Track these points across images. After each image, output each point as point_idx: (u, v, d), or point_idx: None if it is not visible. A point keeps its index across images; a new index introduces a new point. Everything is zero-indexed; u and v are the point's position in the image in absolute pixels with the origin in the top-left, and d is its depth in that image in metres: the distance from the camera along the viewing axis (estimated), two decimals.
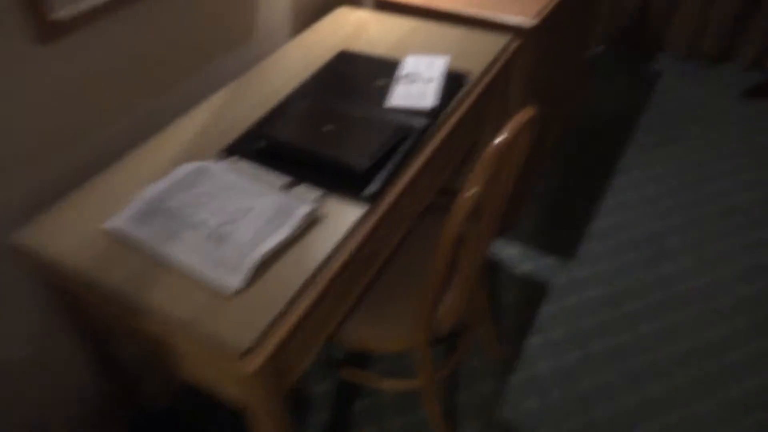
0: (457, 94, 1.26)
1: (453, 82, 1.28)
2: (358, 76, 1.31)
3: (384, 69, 1.33)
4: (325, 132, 1.11)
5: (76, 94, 1.08)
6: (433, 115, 1.19)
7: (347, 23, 1.55)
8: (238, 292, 0.88)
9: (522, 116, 0.95)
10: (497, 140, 0.90)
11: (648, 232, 2.00)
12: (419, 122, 1.17)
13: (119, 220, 1.00)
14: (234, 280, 0.89)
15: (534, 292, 1.82)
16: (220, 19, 1.33)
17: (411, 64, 1.34)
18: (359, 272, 1.04)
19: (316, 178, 1.05)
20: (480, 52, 1.40)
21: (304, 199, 1.01)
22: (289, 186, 1.02)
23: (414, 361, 1.63)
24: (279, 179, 1.04)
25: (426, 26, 1.51)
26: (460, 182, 1.88)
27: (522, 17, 1.51)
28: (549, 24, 1.59)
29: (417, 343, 1.21)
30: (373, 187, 1.03)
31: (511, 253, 1.95)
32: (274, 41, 1.52)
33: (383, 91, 1.25)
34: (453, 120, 1.22)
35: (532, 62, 1.58)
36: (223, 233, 0.96)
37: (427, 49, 1.42)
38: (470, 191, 0.89)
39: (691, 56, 2.87)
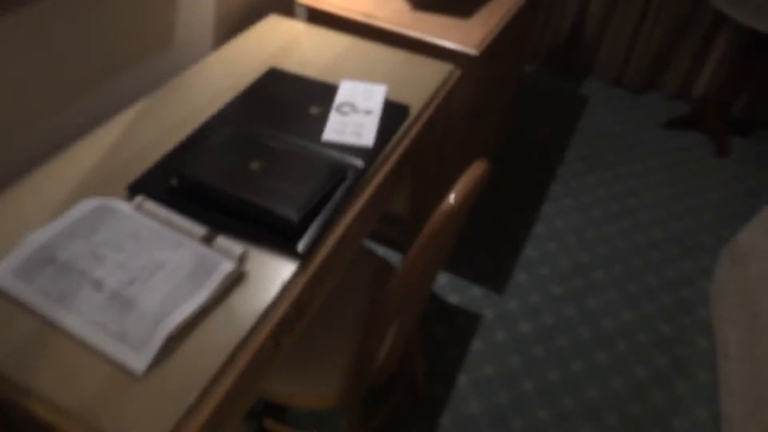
0: (396, 130, 1.16)
1: (392, 115, 1.18)
2: (290, 100, 1.18)
3: (318, 94, 1.21)
4: (251, 170, 0.98)
5: None
6: (372, 154, 1.08)
7: (277, 35, 1.41)
8: (144, 375, 0.74)
9: (473, 175, 0.86)
10: (446, 206, 0.80)
11: (575, 264, 1.99)
12: (356, 162, 1.05)
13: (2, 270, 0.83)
14: (139, 361, 0.75)
15: (463, 325, 1.75)
16: (130, 23, 1.17)
17: (347, 91, 1.22)
18: (286, 332, 0.92)
19: (238, 227, 0.92)
20: (421, 81, 1.30)
21: (226, 253, 0.87)
22: (207, 238, 0.89)
23: (341, 414, 1.52)
24: (195, 227, 0.90)
25: (363, 46, 1.40)
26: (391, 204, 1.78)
27: (465, 45, 1.42)
28: (491, 51, 1.52)
29: (348, 400, 1.10)
30: (305, 241, 0.91)
31: (439, 282, 1.88)
32: (194, 51, 1.36)
33: (317, 122, 1.13)
34: (393, 159, 1.12)
35: (472, 90, 1.50)
36: (127, 297, 0.81)
37: (365, 73, 1.30)
38: (413, 265, 0.79)
39: (619, 83, 2.92)
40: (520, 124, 2.58)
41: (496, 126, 2.12)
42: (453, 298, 1.83)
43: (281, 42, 1.39)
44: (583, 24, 2.82)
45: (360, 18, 1.49)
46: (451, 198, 0.81)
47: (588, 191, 2.28)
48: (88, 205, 0.93)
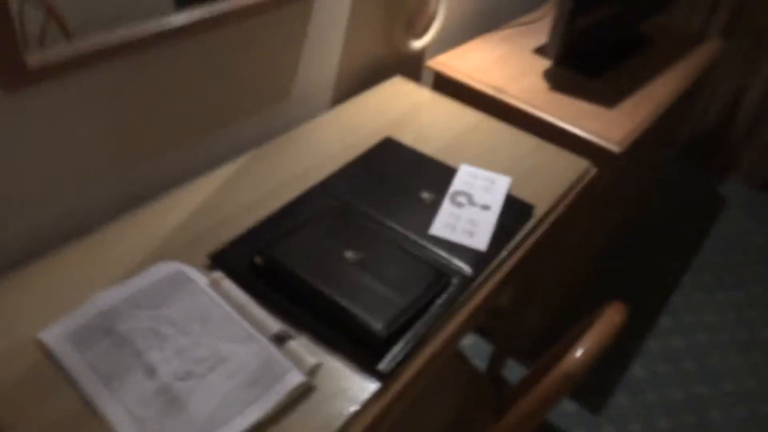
0: (515, 233, 1.00)
1: (513, 215, 1.03)
2: (401, 179, 1.06)
3: (432, 176, 1.08)
4: (344, 260, 0.86)
5: (46, 147, 0.84)
6: (484, 260, 0.94)
7: (399, 100, 1.30)
8: None
9: (607, 325, 0.69)
10: (568, 367, 0.64)
11: (690, 396, 1.73)
12: (464, 268, 0.91)
13: (55, 333, 0.75)
14: None
15: None
16: (253, 72, 1.10)
17: (466, 177, 1.09)
18: None
19: (317, 326, 0.80)
20: (550, 176, 1.14)
21: (297, 360, 0.75)
22: (280, 338, 0.77)
23: None
24: (269, 320, 0.78)
25: (490, 125, 1.26)
26: None
27: (605, 139, 1.26)
28: (634, 148, 1.34)
29: None
30: (390, 359, 0.77)
31: None
32: (310, 107, 1.28)
33: (426, 210, 1.00)
34: (505, 268, 0.97)
35: (605, 188, 1.32)
36: (178, 394, 0.70)
37: (488, 157, 1.17)
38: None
39: (766, 188, 2.61)
40: (643, 218, 2.34)
41: (620, 221, 1.91)
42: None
43: (402, 108, 1.28)
44: (734, 115, 2.55)
45: (490, 92, 1.36)
46: (578, 356, 0.65)
47: (715, 310, 2.00)
48: (165, 269, 0.85)
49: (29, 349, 0.75)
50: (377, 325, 0.77)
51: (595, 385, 1.72)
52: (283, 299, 0.83)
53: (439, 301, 0.86)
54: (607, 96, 1.41)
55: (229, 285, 0.82)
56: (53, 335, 0.75)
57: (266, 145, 1.12)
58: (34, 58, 0.75)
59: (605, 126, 1.31)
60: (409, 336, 0.81)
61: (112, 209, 0.98)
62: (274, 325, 0.78)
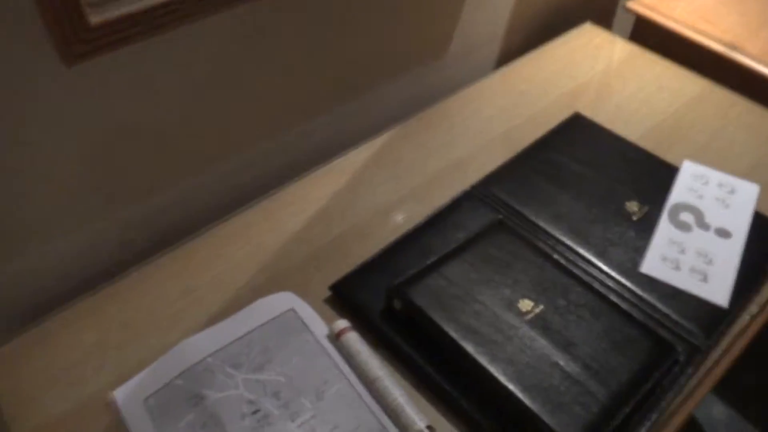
0: (767, 275, 0.68)
1: (764, 244, 0.70)
2: (598, 179, 0.76)
3: (643, 176, 0.77)
4: (519, 316, 0.59)
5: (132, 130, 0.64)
6: (722, 318, 0.63)
7: (588, 57, 0.97)
8: None
9: None
10: None
11: None
12: (693, 332, 0.61)
13: (128, 395, 0.57)
14: None
15: None
16: (387, 21, 0.82)
17: (691, 182, 0.76)
18: None
19: (475, 421, 0.55)
20: None
21: None
22: None
23: None
24: (413, 412, 0.54)
25: (719, 98, 0.91)
26: None
27: None
28: None
29: None
30: None
31: (710, 412, 1.35)
32: (471, 66, 0.98)
33: (634, 230, 0.70)
34: (750, 334, 0.65)
35: None
36: None
37: (719, 149, 0.82)
38: None
39: None
40: None
41: None
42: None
43: (593, 69, 0.95)
44: None
45: (719, 48, 0.98)
46: None
47: None
48: (271, 306, 0.63)
49: (98, 412, 0.56)
50: None
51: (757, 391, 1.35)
52: (430, 372, 0.58)
53: (659, 389, 0.57)
54: None
55: (357, 342, 0.59)
56: (127, 397, 0.56)
57: (411, 119, 0.85)
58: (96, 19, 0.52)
59: None
60: None
61: (206, 209, 0.77)
62: (419, 420, 0.53)
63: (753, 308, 0.65)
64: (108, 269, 0.69)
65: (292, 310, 0.63)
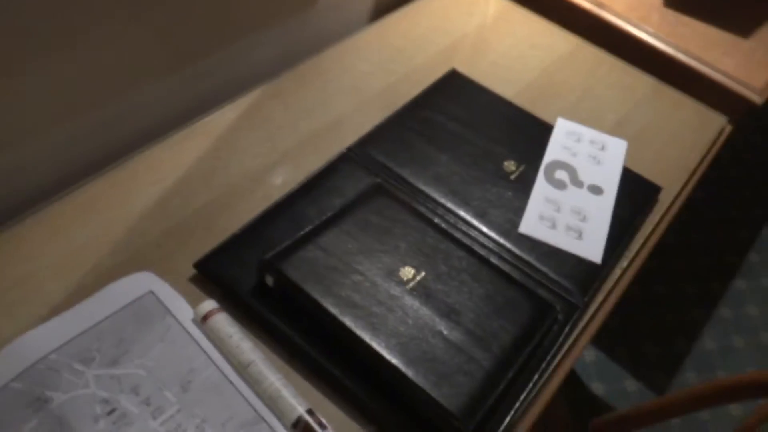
0: (636, 231, 0.70)
1: (632, 203, 0.72)
2: (476, 138, 0.74)
3: (519, 135, 0.76)
4: (400, 284, 0.56)
5: None
6: (596, 277, 0.64)
7: (464, 12, 0.95)
8: None
9: None
10: None
11: None
12: (570, 290, 0.62)
13: None
14: None
15: None
16: None
17: (565, 140, 0.76)
18: None
19: (358, 399, 0.52)
20: (676, 137, 0.82)
21: None
22: (308, 430, 0.49)
23: None
24: (291, 396, 0.50)
25: (593, 54, 0.92)
26: None
27: (740, 81, 0.91)
28: None
29: None
30: None
31: (585, 358, 1.44)
32: (344, 20, 0.93)
33: (511, 189, 0.69)
34: (621, 288, 0.67)
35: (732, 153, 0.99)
36: None
37: (588, 106, 0.84)
38: None
39: None
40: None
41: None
42: (598, 387, 1.39)
43: (469, 26, 0.93)
44: None
45: (586, 5, 0.99)
46: None
47: None
48: (126, 290, 0.56)
49: None
50: (457, 410, 0.49)
51: (660, 360, 1.47)
52: (309, 351, 0.54)
53: (540, 349, 0.57)
54: (745, 19, 1.05)
55: (226, 324, 0.53)
56: None
57: (281, 77, 0.79)
58: None
59: (738, 63, 0.96)
60: (500, 416, 0.52)
61: (40, 182, 0.66)
62: (298, 405, 0.49)
63: (623, 262, 0.67)
64: None
65: (151, 292, 0.56)
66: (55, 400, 0.48)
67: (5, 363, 0.50)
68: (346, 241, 0.58)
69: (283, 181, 0.67)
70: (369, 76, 0.81)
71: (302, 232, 0.59)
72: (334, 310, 0.53)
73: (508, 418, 0.52)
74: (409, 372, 0.50)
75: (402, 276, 0.57)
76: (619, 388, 1.40)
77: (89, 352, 0.51)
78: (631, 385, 1.41)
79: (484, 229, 0.65)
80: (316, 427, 0.48)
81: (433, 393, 0.50)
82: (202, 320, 0.53)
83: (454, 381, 0.51)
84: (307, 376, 0.53)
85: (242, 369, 0.51)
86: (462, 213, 0.66)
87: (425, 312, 0.55)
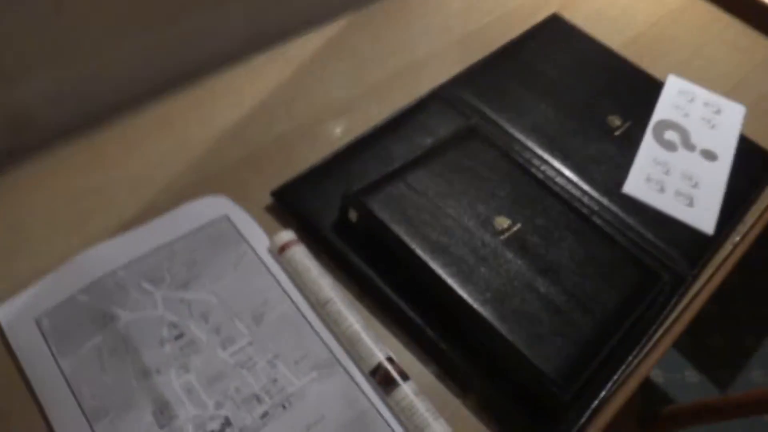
0: (753, 203, 0.63)
1: (749, 172, 0.64)
2: (579, 90, 0.67)
3: (626, 89, 0.69)
4: (494, 234, 0.51)
5: None
6: (707, 249, 0.57)
7: None
8: None
9: None
10: None
11: None
12: (676, 260, 0.55)
13: (17, 312, 0.45)
14: None
15: None
16: None
17: (677, 99, 0.69)
18: None
19: (443, 354, 0.47)
20: None
21: (415, 425, 0.43)
22: (388, 380, 0.44)
23: None
24: (372, 342, 0.46)
25: (707, 10, 0.84)
26: None
27: None
28: None
29: None
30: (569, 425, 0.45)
31: None
32: None
33: (617, 147, 0.63)
34: (731, 262, 0.60)
35: None
36: None
37: (705, 64, 0.76)
38: None
39: None
40: None
41: None
42: (657, 374, 1.32)
43: None
44: None
45: None
46: None
47: None
48: (200, 213, 0.52)
49: None
50: (557, 378, 0.44)
51: (724, 353, 1.39)
52: (390, 295, 0.49)
53: (642, 321, 0.51)
54: None
55: (304, 258, 0.49)
56: (13, 316, 0.45)
57: (371, 7, 0.73)
58: None
59: None
60: (595, 389, 0.47)
61: (121, 91, 0.63)
62: (378, 351, 0.45)
63: (735, 237, 0.60)
64: None
65: (226, 217, 0.52)
66: (121, 318, 0.45)
67: (73, 273, 0.47)
68: (437, 183, 0.53)
69: (368, 115, 0.62)
70: (462, 16, 0.75)
71: (390, 169, 0.54)
72: (422, 254, 0.48)
73: (603, 392, 0.47)
74: (502, 328, 0.46)
75: (496, 226, 0.52)
76: (678, 378, 1.33)
77: (159, 272, 0.48)
78: (691, 376, 1.34)
79: (584, 186, 0.59)
80: (396, 377, 0.44)
81: (529, 353, 0.45)
82: (279, 251, 0.49)
83: (551, 343, 0.46)
84: (386, 323, 0.49)
85: (319, 306, 0.47)
86: (561, 167, 0.60)
87: (521, 266, 0.49)
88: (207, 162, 0.57)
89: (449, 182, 0.54)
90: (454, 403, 0.46)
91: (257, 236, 0.51)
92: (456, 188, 0.53)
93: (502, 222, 0.52)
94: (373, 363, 0.44)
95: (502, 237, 0.51)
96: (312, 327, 0.47)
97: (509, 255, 0.50)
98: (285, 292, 0.48)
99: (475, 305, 0.46)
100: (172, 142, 0.58)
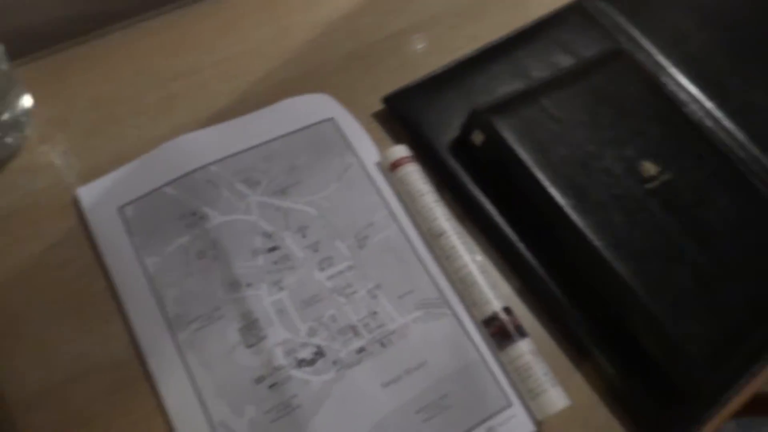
0: None
1: None
2: (751, 19, 0.57)
3: None
4: (639, 182, 0.44)
5: None
6: None
7: None
8: None
9: None
10: None
11: None
12: None
13: (99, 195, 0.41)
14: None
15: None
16: None
17: None
18: None
19: (557, 307, 0.41)
20: None
21: (529, 388, 0.38)
22: (504, 333, 0.39)
23: None
24: (487, 286, 0.40)
25: None
26: None
27: None
28: None
29: None
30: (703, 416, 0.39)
31: None
32: None
33: None
34: None
35: None
36: (295, 394, 0.36)
37: None
38: None
39: None
40: None
41: None
42: None
43: None
44: None
45: None
46: None
47: None
48: (308, 109, 0.46)
49: (53, 201, 0.41)
50: (699, 362, 0.38)
51: None
52: (509, 235, 0.43)
53: None
54: None
55: (419, 180, 0.43)
56: (96, 199, 0.40)
57: None
58: None
59: None
60: (734, 374, 0.41)
61: None
62: (495, 298, 0.39)
63: None
64: (78, 22, 0.49)
65: (332, 120, 0.45)
66: (211, 219, 0.40)
67: (162, 162, 0.42)
68: (577, 111, 0.45)
69: (498, 22, 0.53)
70: None
71: (524, 87, 0.46)
72: (554, 193, 0.41)
73: (741, 380, 0.41)
74: (640, 293, 0.39)
75: (642, 171, 0.44)
76: None
77: (255, 174, 0.42)
78: None
79: (739, 137, 0.50)
80: (512, 331, 0.38)
81: (670, 328, 0.38)
82: (391, 167, 0.43)
83: (696, 319, 0.39)
84: (501, 268, 0.43)
85: (432, 238, 0.41)
86: (715, 109, 0.51)
87: (667, 223, 0.42)
88: (311, 54, 0.50)
89: (592, 112, 0.46)
90: (567, 368, 0.41)
91: (366, 146, 0.45)
92: (598, 120, 0.45)
93: (649, 168, 0.44)
94: (488, 311, 0.39)
95: (647, 185, 0.44)
96: (420, 260, 0.41)
97: (654, 208, 0.43)
98: (393, 215, 0.42)
99: (612, 262, 0.40)
100: (272, 28, 0.51)
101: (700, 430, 0.39)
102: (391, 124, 0.47)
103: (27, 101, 0.43)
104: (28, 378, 0.35)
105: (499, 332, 0.38)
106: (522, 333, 0.38)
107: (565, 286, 0.42)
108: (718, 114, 0.51)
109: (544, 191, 0.41)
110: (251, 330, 0.37)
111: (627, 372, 0.40)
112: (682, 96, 0.51)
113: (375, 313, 0.39)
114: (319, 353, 0.37)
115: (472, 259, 0.40)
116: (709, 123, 0.50)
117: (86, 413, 0.34)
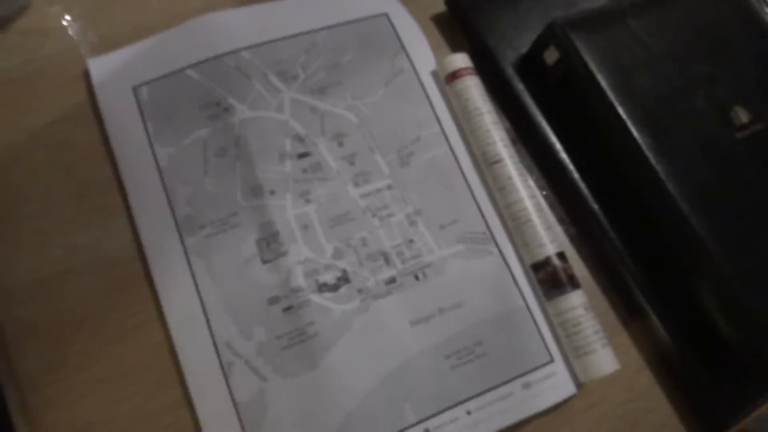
0: None
1: None
2: None
3: None
4: (729, 128, 0.38)
5: None
6: None
7: None
8: None
9: None
10: None
11: None
12: None
13: (111, 72, 0.35)
14: None
15: None
16: None
17: None
18: None
19: (618, 262, 0.36)
20: None
21: (575, 346, 0.33)
22: (556, 281, 0.34)
23: None
24: (542, 228, 0.35)
25: None
26: None
27: None
28: None
29: None
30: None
31: None
32: None
33: None
34: None
35: None
36: (316, 329, 0.32)
37: None
38: None
39: None
40: None
41: None
42: None
43: None
44: None
45: None
46: None
47: None
48: (359, 1, 0.39)
49: (59, 71, 0.36)
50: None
51: None
52: (575, 179, 0.37)
53: None
54: None
55: (479, 96, 0.37)
56: (108, 75, 0.35)
57: None
58: None
59: None
60: None
61: None
62: (549, 242, 0.34)
63: None
64: None
65: (386, 16, 0.39)
66: (237, 112, 0.35)
67: (188, 41, 0.36)
68: (669, 38, 0.39)
69: None
70: None
71: (611, 4, 0.39)
72: (634, 130, 0.36)
73: None
74: (717, 254, 0.34)
75: (733, 118, 0.38)
76: None
77: (292, 66, 0.37)
78: None
79: None
80: (564, 280, 0.33)
81: (744, 297, 0.33)
82: (448, 78, 0.37)
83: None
84: (557, 210, 0.38)
85: (486, 164, 0.36)
86: None
87: (758, 179, 0.36)
88: None
89: (685, 42, 0.39)
90: (614, 326, 0.36)
91: (422, 51, 0.39)
92: (691, 52, 0.39)
93: (741, 115, 0.38)
94: (540, 255, 0.34)
95: (737, 135, 0.38)
96: (469, 187, 0.36)
97: (745, 160, 0.37)
98: (444, 133, 0.37)
99: (689, 215, 0.34)
100: None
101: (756, 410, 0.35)
102: (453, 29, 0.41)
103: None
104: (19, 267, 0.31)
105: (550, 279, 0.33)
106: (574, 284, 0.34)
107: (627, 236, 0.36)
108: None
109: (622, 125, 0.36)
110: (270, 244, 0.33)
111: (682, 338, 0.35)
112: None
113: (411, 241, 0.34)
114: (344, 279, 0.33)
115: (530, 194, 0.35)
116: None
117: (78, 313, 0.31)
